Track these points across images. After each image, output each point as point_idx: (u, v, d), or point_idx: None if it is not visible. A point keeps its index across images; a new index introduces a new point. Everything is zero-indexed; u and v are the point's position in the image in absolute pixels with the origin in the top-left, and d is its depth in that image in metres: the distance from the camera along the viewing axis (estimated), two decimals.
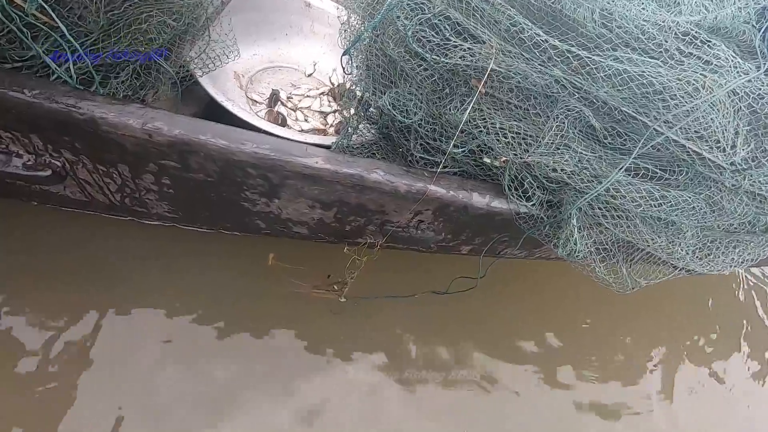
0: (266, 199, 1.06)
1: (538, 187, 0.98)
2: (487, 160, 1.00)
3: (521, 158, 0.95)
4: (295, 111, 1.95)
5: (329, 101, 2.04)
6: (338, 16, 1.33)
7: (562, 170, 0.94)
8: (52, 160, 0.96)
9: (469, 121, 0.97)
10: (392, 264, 1.34)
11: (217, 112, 1.29)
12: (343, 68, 1.21)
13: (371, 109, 1.25)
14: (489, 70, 0.93)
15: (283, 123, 1.83)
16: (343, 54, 1.17)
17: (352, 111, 1.28)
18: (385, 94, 1.11)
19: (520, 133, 0.97)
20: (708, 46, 0.97)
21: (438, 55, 1.00)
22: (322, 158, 0.92)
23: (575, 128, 0.94)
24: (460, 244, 1.27)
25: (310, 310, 1.34)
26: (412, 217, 1.07)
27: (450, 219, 1.08)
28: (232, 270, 1.36)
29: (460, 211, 1.03)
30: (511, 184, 1.01)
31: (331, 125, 1.95)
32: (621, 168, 0.91)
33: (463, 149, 1.00)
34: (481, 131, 0.97)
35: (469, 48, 0.96)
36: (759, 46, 1.01)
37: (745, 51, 1.08)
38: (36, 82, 0.81)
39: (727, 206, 1.01)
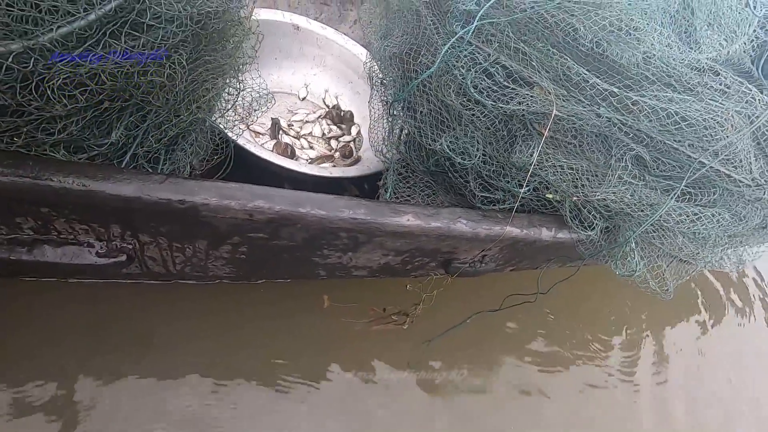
0: (341, 254, 1.07)
1: (599, 217, 1.08)
2: (550, 196, 1.09)
3: (586, 195, 1.04)
4: (298, 139, 1.93)
5: (328, 124, 2.03)
6: (364, 62, 1.33)
7: (621, 201, 1.04)
8: (123, 244, 0.90)
9: (534, 163, 1.05)
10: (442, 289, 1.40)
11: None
12: (389, 113, 1.23)
13: (412, 152, 1.29)
14: (553, 115, 1.00)
15: (292, 154, 1.82)
16: (393, 101, 1.19)
17: (393, 152, 1.30)
18: (437, 137, 1.15)
19: (579, 170, 1.06)
20: (722, 75, 1.11)
21: (496, 101, 1.05)
22: (411, 215, 0.95)
23: (629, 161, 1.05)
24: (507, 267, 1.35)
25: (376, 346, 1.37)
26: (479, 252, 1.14)
27: (514, 251, 1.15)
28: (291, 317, 1.34)
29: (528, 245, 1.10)
30: (572, 213, 1.10)
31: (336, 150, 1.95)
32: (673, 196, 1.03)
33: (528, 188, 1.08)
34: (546, 171, 1.05)
35: (529, 94, 1.02)
36: (757, 76, 1.18)
37: (740, 75, 1.25)
38: (129, 175, 0.76)
39: (745, 215, 1.18)
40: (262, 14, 1.78)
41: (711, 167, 1.05)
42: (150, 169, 0.88)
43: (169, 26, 0.75)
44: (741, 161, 1.09)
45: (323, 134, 1.96)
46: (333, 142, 1.97)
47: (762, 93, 1.14)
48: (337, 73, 2.12)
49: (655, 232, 1.09)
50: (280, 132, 1.87)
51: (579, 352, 1.61)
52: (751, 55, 1.20)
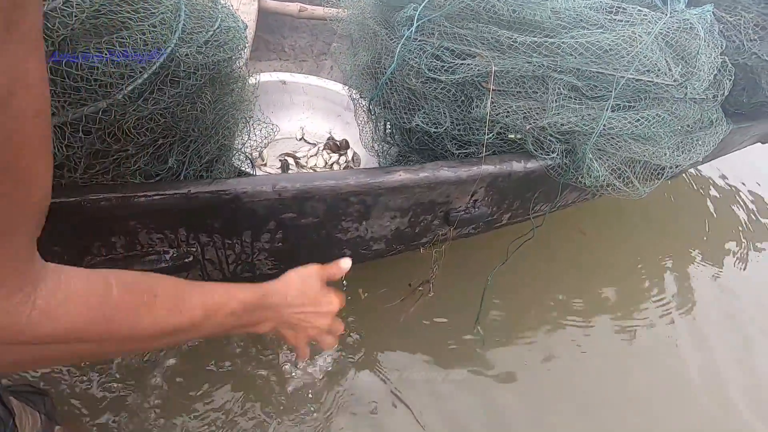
0: (357, 224, 1.30)
1: (556, 141, 1.30)
2: (511, 135, 1.32)
3: (537, 124, 1.27)
4: (306, 169, 2.22)
5: (328, 153, 2.33)
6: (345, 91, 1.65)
7: (569, 122, 1.27)
8: (189, 248, 1.16)
9: (490, 112, 1.30)
10: (451, 262, 1.59)
11: None
12: (370, 110, 1.52)
13: (397, 137, 1.56)
14: (492, 71, 1.26)
15: None
16: (371, 100, 1.48)
17: (382, 144, 1.57)
18: (411, 117, 1.42)
19: (527, 107, 1.30)
20: (623, 9, 1.37)
21: (448, 74, 1.33)
22: (402, 171, 1.19)
23: (567, 91, 1.29)
24: (502, 214, 1.56)
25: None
26: (469, 197, 1.36)
27: (497, 190, 1.37)
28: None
29: (505, 179, 1.33)
30: (534, 145, 1.33)
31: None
32: (608, 106, 1.26)
33: (491, 134, 1.32)
34: (502, 116, 1.29)
35: (469, 63, 1.30)
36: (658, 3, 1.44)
37: (645, 6, 1.50)
38: (187, 182, 1.03)
39: (681, 113, 1.39)
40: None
41: (632, 78, 1.29)
42: None
43: (194, 74, 1.06)
44: (659, 69, 1.32)
45: (326, 163, 2.26)
46: (335, 167, 2.26)
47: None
48: (326, 111, 2.46)
49: (606, 141, 1.30)
50: (289, 167, 2.17)
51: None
52: None
